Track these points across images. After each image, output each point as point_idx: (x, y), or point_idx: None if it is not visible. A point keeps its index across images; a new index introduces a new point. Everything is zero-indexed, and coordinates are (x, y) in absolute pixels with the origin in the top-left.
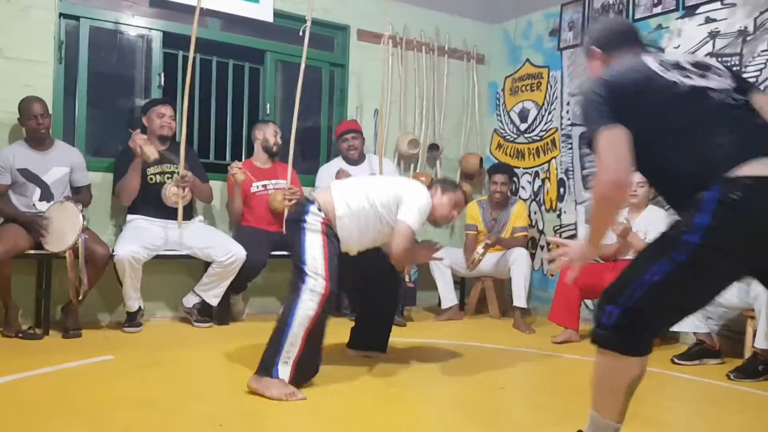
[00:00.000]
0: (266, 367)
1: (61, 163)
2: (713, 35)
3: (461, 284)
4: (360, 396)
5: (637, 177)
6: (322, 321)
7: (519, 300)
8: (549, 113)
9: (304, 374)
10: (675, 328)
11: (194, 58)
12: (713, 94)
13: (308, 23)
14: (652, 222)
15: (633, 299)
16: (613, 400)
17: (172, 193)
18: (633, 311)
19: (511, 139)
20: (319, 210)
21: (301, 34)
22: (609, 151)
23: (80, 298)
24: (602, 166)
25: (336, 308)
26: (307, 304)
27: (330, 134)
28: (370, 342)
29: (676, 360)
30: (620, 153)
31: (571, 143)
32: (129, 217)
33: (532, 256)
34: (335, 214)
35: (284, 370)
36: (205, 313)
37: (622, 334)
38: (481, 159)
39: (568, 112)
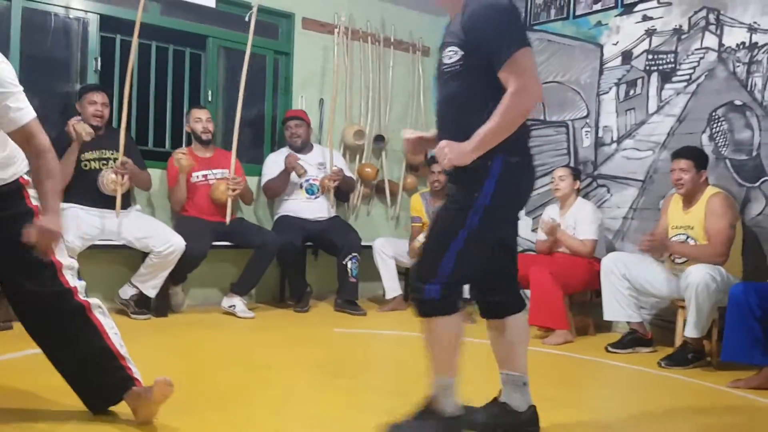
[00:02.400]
0: None
1: None
2: (650, 33)
3: (405, 275)
4: (299, 387)
5: (560, 171)
6: None
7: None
8: None
9: None
10: (610, 318)
11: (143, 44)
12: None
13: (254, 9)
14: (580, 216)
15: (447, 273)
16: (452, 357)
17: (110, 181)
18: (451, 284)
19: None
20: None
21: (247, 19)
22: (534, 70)
23: None
24: (531, 83)
25: (280, 299)
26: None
27: (275, 123)
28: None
29: (610, 348)
30: (536, 73)
31: None
32: (63, 205)
33: None
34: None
35: None
36: (142, 304)
37: (446, 301)
38: (426, 151)
39: None
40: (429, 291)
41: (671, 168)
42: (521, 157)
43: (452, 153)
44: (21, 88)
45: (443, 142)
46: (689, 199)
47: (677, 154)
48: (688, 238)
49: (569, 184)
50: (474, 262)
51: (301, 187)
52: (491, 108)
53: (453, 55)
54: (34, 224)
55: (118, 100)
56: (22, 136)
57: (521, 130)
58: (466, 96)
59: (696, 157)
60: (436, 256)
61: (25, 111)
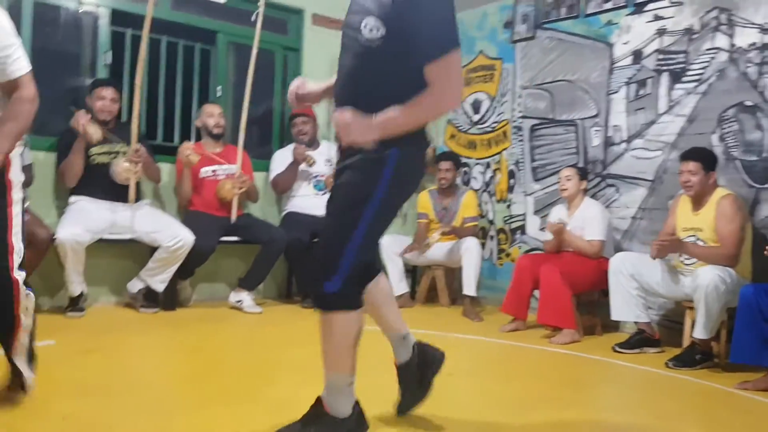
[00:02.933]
0: None
1: None
2: (661, 32)
3: (412, 272)
4: (305, 382)
5: (566, 171)
6: None
7: (469, 289)
8: (501, 105)
9: None
10: (617, 318)
11: (154, 39)
12: None
13: (261, 8)
14: (588, 216)
15: (349, 266)
16: (348, 354)
17: (124, 169)
18: (352, 276)
19: (464, 129)
20: None
21: (253, 19)
22: (461, 75)
23: None
24: (455, 88)
25: (286, 295)
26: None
27: (283, 120)
28: None
29: (617, 348)
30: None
31: (521, 135)
32: (72, 198)
33: (483, 246)
34: None
35: None
36: (150, 298)
37: (348, 295)
38: (435, 149)
39: (519, 104)
40: (329, 285)
41: (680, 170)
42: (416, 148)
43: (357, 130)
44: (19, 40)
45: (348, 114)
46: (698, 201)
47: (685, 156)
48: (697, 240)
49: (576, 184)
50: (370, 250)
51: (308, 182)
52: (403, 99)
53: (374, 29)
54: None
55: (128, 94)
56: (11, 86)
57: None
58: (376, 80)
59: (704, 158)
60: (336, 249)
61: (22, 63)
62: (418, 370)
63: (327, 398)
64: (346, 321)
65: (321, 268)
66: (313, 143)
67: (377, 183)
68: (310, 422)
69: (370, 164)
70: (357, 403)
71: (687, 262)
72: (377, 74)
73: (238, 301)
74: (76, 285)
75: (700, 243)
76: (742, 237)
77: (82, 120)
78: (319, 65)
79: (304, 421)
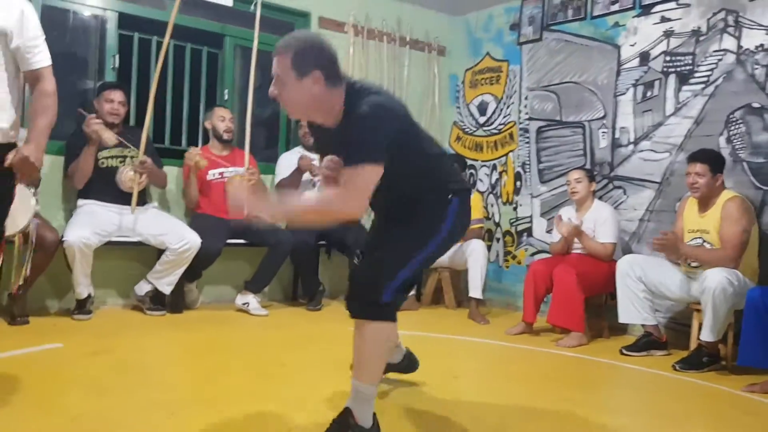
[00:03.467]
0: None
1: None
2: (668, 34)
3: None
4: (312, 385)
5: (575, 174)
6: None
7: (475, 291)
8: (507, 107)
9: None
10: (625, 321)
11: (161, 42)
12: None
13: (258, 6)
14: (599, 218)
15: (401, 281)
16: (381, 365)
17: (128, 178)
18: (400, 290)
19: (470, 131)
20: None
21: (252, 8)
22: (368, 189)
23: (21, 284)
24: (355, 195)
25: (292, 297)
26: None
27: (289, 122)
28: None
29: (624, 351)
30: (369, 193)
31: (528, 137)
32: (80, 201)
33: (488, 248)
34: None
35: None
36: (158, 301)
37: (393, 307)
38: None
39: (525, 106)
40: (387, 295)
41: (687, 171)
42: (467, 193)
43: (259, 207)
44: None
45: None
46: (705, 203)
47: (693, 158)
48: (704, 242)
49: (586, 186)
50: (422, 271)
51: (314, 186)
52: (415, 195)
53: None
54: (17, 151)
55: (136, 98)
56: (34, 78)
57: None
58: (394, 188)
59: (711, 160)
60: (396, 267)
61: (45, 56)
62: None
63: (356, 408)
64: (388, 331)
65: (375, 280)
66: None
67: (442, 225)
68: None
69: (437, 208)
70: (374, 413)
71: (693, 264)
72: (391, 184)
73: (245, 304)
74: (83, 287)
75: (707, 245)
76: (745, 240)
77: (95, 126)
78: None
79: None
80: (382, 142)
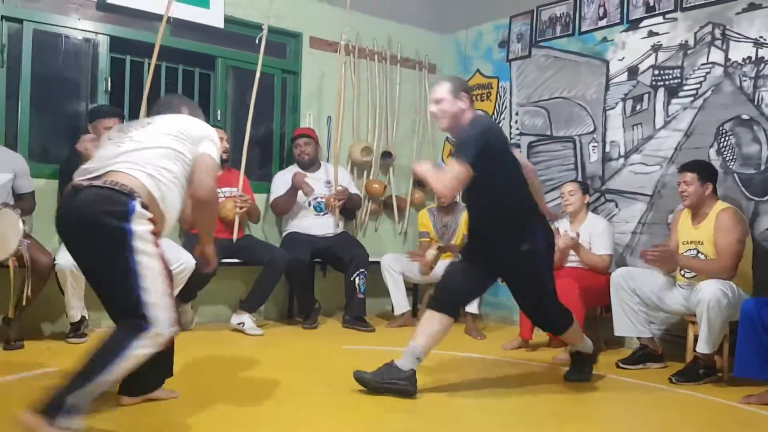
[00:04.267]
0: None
1: (3, 169)
2: (656, 48)
3: (414, 291)
4: (309, 404)
5: (569, 186)
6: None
7: (471, 306)
8: (498, 123)
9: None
10: (620, 334)
11: (149, 64)
12: None
13: (265, 31)
14: (595, 231)
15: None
16: (582, 335)
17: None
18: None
19: None
20: (144, 207)
21: (257, 41)
22: (458, 183)
23: (20, 308)
24: (446, 185)
25: (288, 316)
26: (143, 351)
27: (283, 141)
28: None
29: (620, 364)
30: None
31: (519, 152)
32: None
33: None
34: (154, 197)
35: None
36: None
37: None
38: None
39: (516, 122)
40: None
41: (678, 181)
42: (546, 225)
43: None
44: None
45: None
46: (697, 214)
47: (682, 167)
48: (698, 253)
49: (579, 199)
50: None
51: (309, 204)
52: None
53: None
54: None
55: (128, 120)
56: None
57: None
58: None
59: (700, 169)
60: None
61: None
62: (399, 376)
63: (589, 351)
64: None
65: (554, 319)
66: (313, 164)
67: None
68: (582, 367)
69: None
70: None
71: (688, 275)
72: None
73: (240, 324)
74: (76, 310)
75: (701, 256)
76: (739, 250)
77: (87, 142)
78: (317, 87)
79: (577, 365)
80: (475, 148)
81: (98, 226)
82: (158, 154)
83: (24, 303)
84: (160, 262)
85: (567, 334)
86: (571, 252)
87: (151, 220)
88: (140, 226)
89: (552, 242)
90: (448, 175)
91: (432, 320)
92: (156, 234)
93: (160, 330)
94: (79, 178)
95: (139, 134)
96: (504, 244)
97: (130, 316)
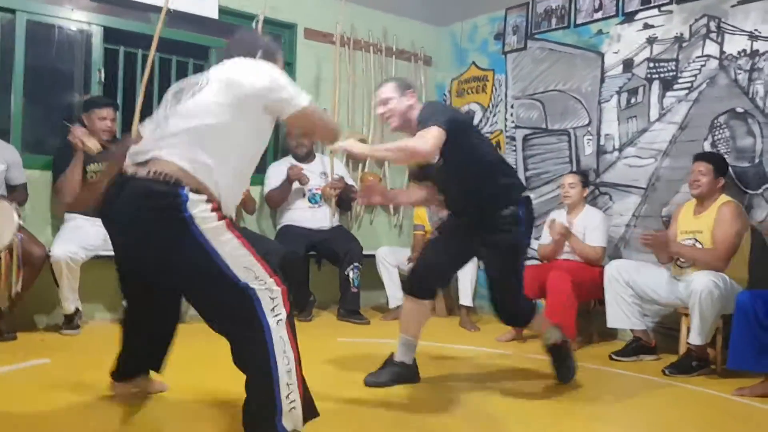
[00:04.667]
0: None
1: None
2: (651, 41)
3: None
4: None
5: (570, 178)
6: (295, 332)
7: (465, 299)
8: (494, 115)
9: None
10: (613, 326)
11: (147, 55)
12: None
13: (260, 23)
14: (590, 223)
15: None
16: (543, 323)
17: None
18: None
19: None
20: (197, 192)
21: (254, 25)
22: (436, 141)
23: (13, 299)
24: (427, 144)
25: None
26: (277, 318)
27: (277, 132)
28: (142, 365)
29: (614, 356)
30: (437, 146)
31: (515, 145)
32: (67, 215)
33: None
34: (212, 177)
35: (291, 421)
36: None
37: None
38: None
39: (512, 114)
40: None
41: (691, 170)
42: (528, 199)
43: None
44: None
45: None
46: (701, 204)
47: (699, 157)
48: (696, 242)
49: (579, 191)
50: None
51: (303, 195)
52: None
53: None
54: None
55: (122, 112)
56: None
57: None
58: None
59: (717, 162)
60: (520, 295)
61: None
62: (408, 372)
63: (559, 340)
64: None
65: (521, 310)
66: (309, 156)
67: (521, 245)
68: (564, 358)
69: (506, 221)
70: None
71: (682, 264)
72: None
73: None
74: (70, 302)
75: (698, 245)
76: (737, 243)
77: (78, 134)
78: (312, 78)
79: (559, 361)
80: (444, 116)
81: (154, 225)
82: (206, 132)
83: (14, 296)
84: (232, 232)
85: (533, 323)
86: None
87: (208, 200)
88: (198, 209)
89: (532, 221)
90: (426, 135)
91: (413, 308)
92: (216, 210)
93: (268, 285)
94: (128, 160)
95: (188, 105)
96: (488, 212)
97: (234, 300)
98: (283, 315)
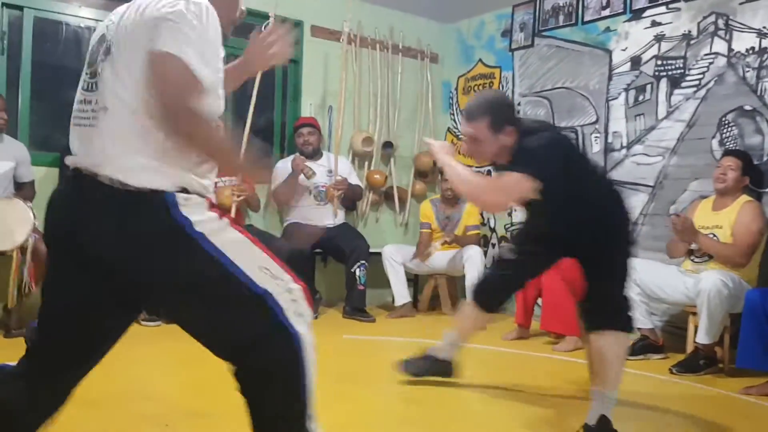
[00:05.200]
0: None
1: (5, 158)
2: (659, 38)
3: (414, 281)
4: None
5: (728, 160)
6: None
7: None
8: None
9: None
10: None
11: None
12: None
13: (272, 20)
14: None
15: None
16: (620, 372)
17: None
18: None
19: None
20: (187, 191)
21: (263, 29)
22: (514, 193)
23: (23, 296)
24: (501, 196)
25: None
26: (302, 320)
27: (284, 130)
28: None
29: None
30: (513, 197)
31: None
32: None
33: (485, 254)
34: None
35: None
36: (153, 311)
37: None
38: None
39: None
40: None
41: (718, 164)
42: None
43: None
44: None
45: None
46: (722, 200)
47: (729, 152)
48: (714, 237)
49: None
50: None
51: (309, 193)
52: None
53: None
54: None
55: None
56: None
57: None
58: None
59: (746, 160)
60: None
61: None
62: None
63: (609, 414)
64: (624, 340)
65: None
66: (316, 154)
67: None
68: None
69: None
70: None
71: (697, 260)
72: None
73: None
74: None
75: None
76: (758, 242)
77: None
78: (318, 76)
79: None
80: (548, 166)
81: (144, 242)
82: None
83: (26, 292)
84: (237, 230)
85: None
86: None
87: (198, 194)
88: (191, 209)
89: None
90: (510, 187)
91: (479, 317)
92: (213, 204)
93: (288, 285)
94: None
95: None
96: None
97: (248, 307)
98: (309, 315)
